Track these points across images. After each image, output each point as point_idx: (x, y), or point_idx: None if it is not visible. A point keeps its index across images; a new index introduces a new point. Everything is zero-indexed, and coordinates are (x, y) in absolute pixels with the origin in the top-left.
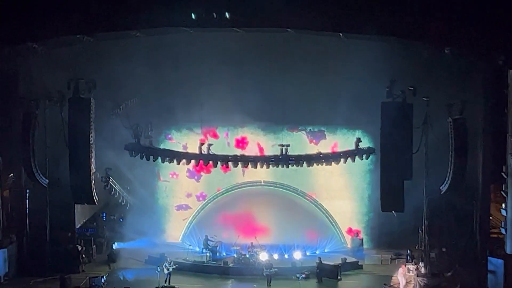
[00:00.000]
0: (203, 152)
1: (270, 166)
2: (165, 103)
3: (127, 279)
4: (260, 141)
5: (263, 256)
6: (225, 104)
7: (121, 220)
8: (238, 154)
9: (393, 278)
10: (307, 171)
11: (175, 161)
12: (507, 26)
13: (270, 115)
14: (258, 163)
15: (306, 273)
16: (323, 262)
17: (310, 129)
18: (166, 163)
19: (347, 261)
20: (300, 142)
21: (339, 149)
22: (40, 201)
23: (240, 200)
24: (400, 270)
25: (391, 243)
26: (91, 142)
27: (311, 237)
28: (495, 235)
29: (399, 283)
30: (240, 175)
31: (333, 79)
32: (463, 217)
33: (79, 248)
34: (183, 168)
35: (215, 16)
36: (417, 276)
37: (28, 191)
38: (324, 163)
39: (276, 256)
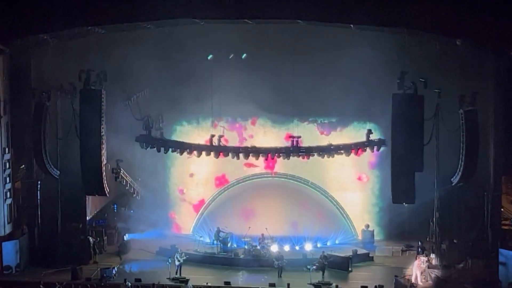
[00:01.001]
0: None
1: (281, 157)
2: (176, 95)
3: (132, 272)
4: (269, 134)
5: (274, 248)
6: (236, 96)
7: (132, 211)
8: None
9: (407, 270)
10: (318, 162)
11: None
12: None
13: (281, 107)
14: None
15: (317, 264)
16: (333, 253)
17: (321, 121)
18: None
19: (358, 253)
20: (311, 134)
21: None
22: (51, 193)
23: (250, 192)
24: (416, 262)
25: (402, 235)
26: (102, 134)
27: (322, 228)
28: (506, 227)
29: (411, 275)
30: None
31: (343, 71)
32: (474, 209)
33: (90, 239)
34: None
35: None
36: (428, 268)
37: (39, 182)
38: (335, 155)
39: (287, 248)
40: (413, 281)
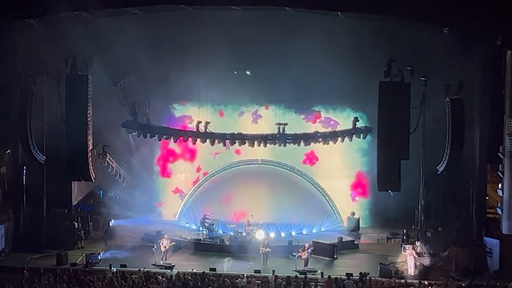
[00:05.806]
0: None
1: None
2: (163, 81)
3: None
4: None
5: (260, 235)
6: (222, 83)
7: (118, 197)
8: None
9: (394, 258)
10: (304, 150)
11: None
12: (505, 7)
13: (267, 95)
14: (256, 142)
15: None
16: (318, 241)
17: (308, 109)
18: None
19: (343, 240)
20: (298, 122)
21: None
22: (37, 178)
23: (237, 178)
24: (407, 252)
25: (387, 222)
26: (88, 119)
27: (308, 215)
28: (491, 215)
29: (396, 262)
30: None
31: (330, 59)
32: (459, 197)
33: (76, 224)
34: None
35: None
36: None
37: (25, 167)
38: (321, 142)
39: (272, 235)
40: (410, 272)
